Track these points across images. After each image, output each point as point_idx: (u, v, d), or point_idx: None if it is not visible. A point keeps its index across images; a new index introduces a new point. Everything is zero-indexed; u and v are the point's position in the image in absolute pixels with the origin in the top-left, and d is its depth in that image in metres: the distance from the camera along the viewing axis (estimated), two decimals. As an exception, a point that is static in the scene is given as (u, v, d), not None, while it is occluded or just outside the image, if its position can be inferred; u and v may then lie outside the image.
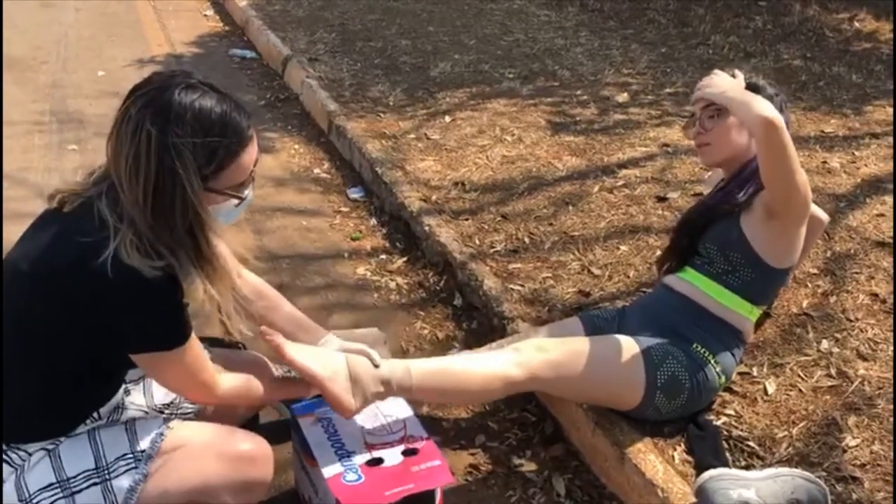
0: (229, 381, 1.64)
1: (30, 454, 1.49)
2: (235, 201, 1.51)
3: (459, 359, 1.91)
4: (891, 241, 2.60)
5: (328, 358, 1.72)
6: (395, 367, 1.78)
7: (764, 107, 1.80)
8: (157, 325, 1.46)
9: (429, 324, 2.60)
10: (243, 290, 1.81)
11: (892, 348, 2.14)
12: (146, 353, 1.48)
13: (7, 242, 1.54)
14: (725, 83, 1.94)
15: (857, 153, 3.34)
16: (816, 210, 2.23)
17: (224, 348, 1.90)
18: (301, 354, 1.68)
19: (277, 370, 1.90)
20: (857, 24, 5.28)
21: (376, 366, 1.76)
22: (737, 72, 2.02)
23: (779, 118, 1.78)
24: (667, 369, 1.89)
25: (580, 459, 2.05)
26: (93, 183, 1.47)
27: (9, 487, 1.47)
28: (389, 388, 1.76)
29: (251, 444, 1.62)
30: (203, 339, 1.87)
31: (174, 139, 1.36)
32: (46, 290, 1.41)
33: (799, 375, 2.08)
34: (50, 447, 1.50)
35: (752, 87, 1.98)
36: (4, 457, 1.48)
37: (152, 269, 1.37)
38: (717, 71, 2.01)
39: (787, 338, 2.21)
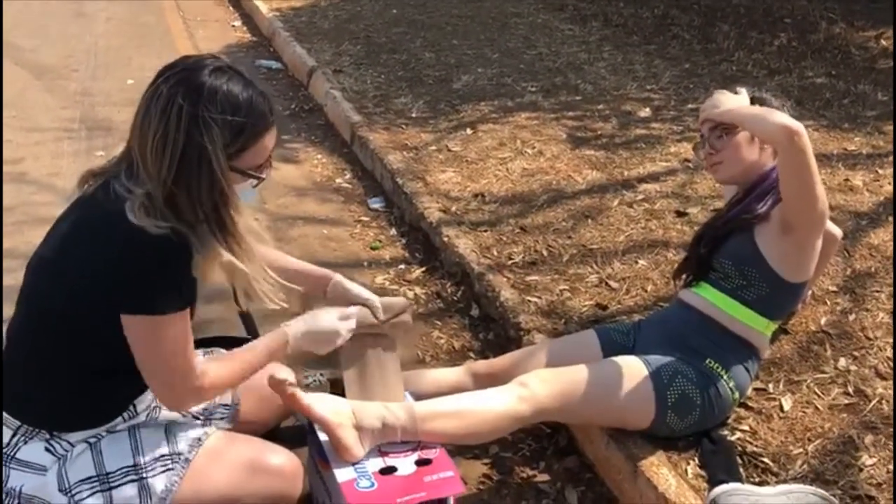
0: (214, 373, 1.57)
1: (72, 445, 1.54)
2: (254, 181, 1.55)
3: (464, 399, 1.88)
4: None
5: (337, 406, 1.76)
6: (399, 414, 1.79)
7: (781, 116, 1.83)
8: (149, 285, 1.43)
9: (445, 334, 2.62)
10: None
11: (911, 368, 2.13)
12: (135, 314, 1.44)
13: (34, 246, 1.58)
14: (730, 101, 1.98)
15: (880, 171, 3.32)
16: (830, 226, 2.23)
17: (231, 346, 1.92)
18: (314, 403, 1.73)
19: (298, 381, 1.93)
20: (883, 42, 5.25)
21: (378, 319, 1.82)
22: (739, 88, 2.05)
23: (799, 125, 1.80)
24: (676, 388, 1.89)
25: (593, 472, 2.05)
26: (113, 164, 1.53)
27: (51, 477, 1.51)
28: (394, 434, 1.78)
29: (283, 459, 1.67)
30: (206, 340, 1.89)
31: (205, 114, 1.41)
32: (63, 270, 1.46)
33: (816, 393, 2.07)
34: (92, 440, 1.55)
35: (757, 101, 2.00)
36: (47, 446, 1.53)
37: (158, 228, 1.40)
38: (721, 90, 2.03)
39: (804, 355, 2.21)
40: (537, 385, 1.87)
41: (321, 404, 1.74)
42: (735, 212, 2.04)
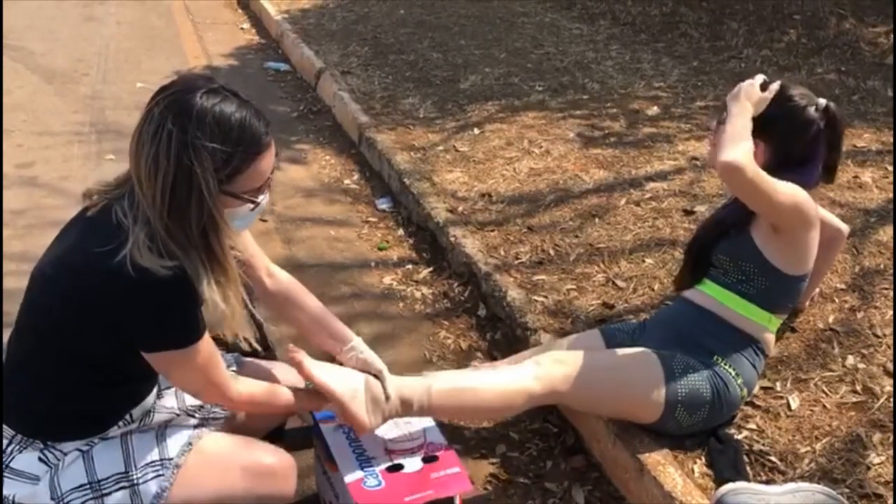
0: (247, 387, 1.65)
1: (65, 454, 1.54)
2: (250, 206, 1.52)
3: (478, 375, 1.91)
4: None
5: (347, 377, 1.74)
6: (414, 387, 1.80)
7: (732, 149, 1.80)
8: (168, 324, 1.47)
9: (453, 334, 2.62)
10: (272, 288, 1.84)
11: (919, 365, 2.11)
12: (159, 352, 1.50)
13: (44, 250, 1.59)
14: (747, 99, 1.92)
15: (889, 168, 3.30)
16: (834, 220, 2.22)
17: (247, 356, 1.94)
18: (321, 372, 1.71)
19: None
20: (893, 38, 5.21)
21: (387, 396, 1.76)
22: (774, 85, 1.97)
23: (737, 160, 1.77)
24: (687, 383, 1.89)
25: (600, 471, 2.05)
26: (116, 185, 1.52)
27: (43, 486, 1.52)
28: (408, 408, 1.78)
29: (274, 459, 1.66)
30: (220, 344, 1.90)
31: (193, 140, 1.39)
32: (67, 295, 1.46)
33: (823, 391, 2.07)
34: (84, 448, 1.55)
35: (784, 99, 1.97)
36: (41, 455, 1.54)
37: (163, 269, 1.40)
38: (758, 79, 1.97)
39: (812, 353, 2.20)
40: (552, 365, 1.89)
41: (332, 376, 1.72)
42: (725, 213, 2.06)
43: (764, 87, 1.96)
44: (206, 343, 1.54)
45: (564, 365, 1.89)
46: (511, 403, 1.88)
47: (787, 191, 1.86)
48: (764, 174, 1.82)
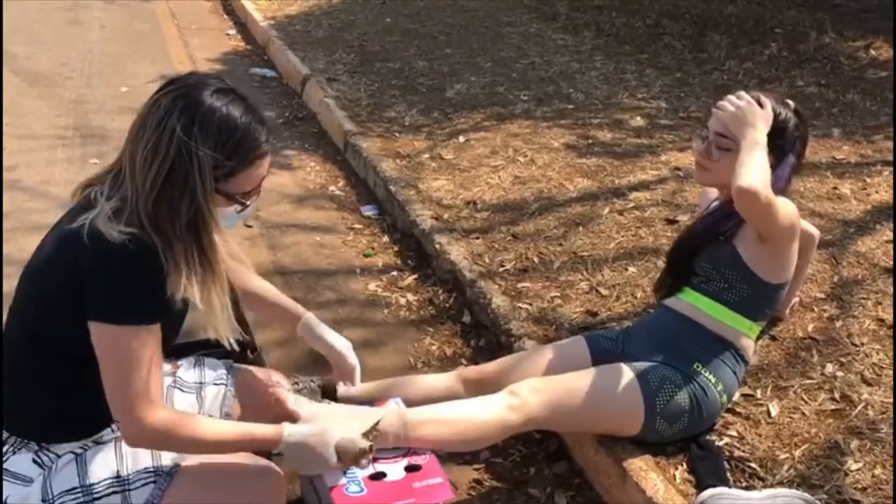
0: (168, 418, 1.49)
1: (59, 456, 1.54)
2: (238, 207, 1.54)
3: (455, 406, 1.91)
4: (899, 267, 2.61)
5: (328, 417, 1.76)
6: (390, 420, 1.81)
7: (748, 176, 1.80)
8: (108, 291, 1.42)
9: (437, 340, 2.63)
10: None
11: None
12: (97, 320, 1.43)
13: (27, 253, 1.59)
14: (750, 119, 1.92)
15: (868, 180, 3.36)
16: (806, 226, 2.26)
17: (233, 359, 1.93)
18: (305, 410, 1.73)
19: (290, 387, 1.95)
20: (872, 52, 5.30)
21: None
22: (765, 100, 1.97)
23: (757, 188, 1.79)
24: (665, 394, 1.91)
25: (583, 477, 2.07)
26: (103, 173, 1.54)
27: (35, 488, 1.51)
28: (385, 440, 1.79)
29: (265, 472, 1.65)
30: (193, 344, 1.87)
31: (196, 137, 1.41)
32: (45, 284, 1.47)
33: (802, 398, 2.10)
34: (78, 451, 1.55)
35: (778, 123, 1.99)
36: (35, 457, 1.53)
37: (119, 234, 1.39)
38: (751, 101, 1.95)
39: (791, 361, 2.23)
40: (528, 394, 1.89)
41: (311, 412, 1.74)
42: (705, 225, 2.09)
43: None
44: (151, 336, 1.45)
45: (541, 393, 1.90)
46: (488, 436, 1.89)
47: (785, 209, 1.90)
48: (773, 198, 1.84)
